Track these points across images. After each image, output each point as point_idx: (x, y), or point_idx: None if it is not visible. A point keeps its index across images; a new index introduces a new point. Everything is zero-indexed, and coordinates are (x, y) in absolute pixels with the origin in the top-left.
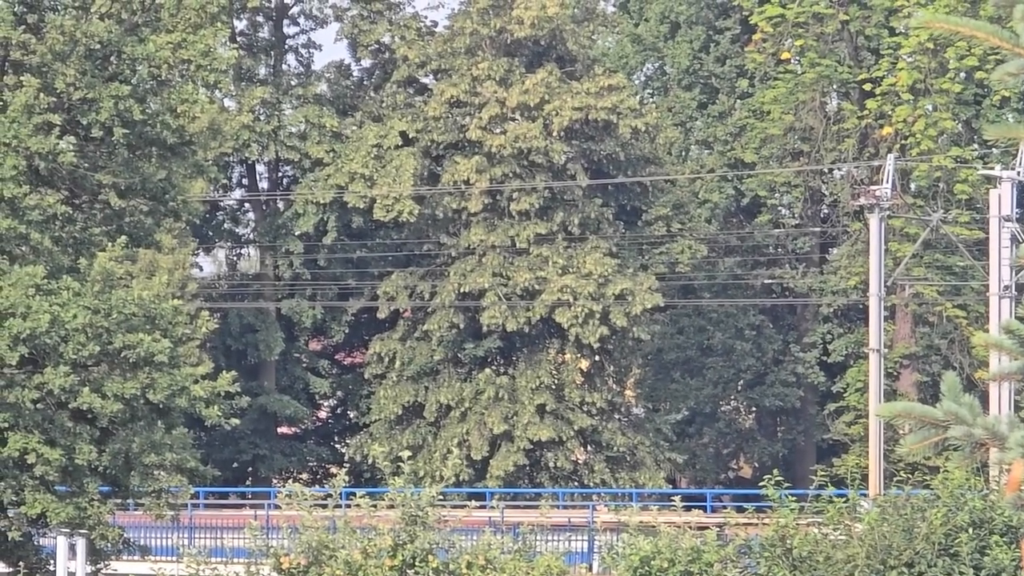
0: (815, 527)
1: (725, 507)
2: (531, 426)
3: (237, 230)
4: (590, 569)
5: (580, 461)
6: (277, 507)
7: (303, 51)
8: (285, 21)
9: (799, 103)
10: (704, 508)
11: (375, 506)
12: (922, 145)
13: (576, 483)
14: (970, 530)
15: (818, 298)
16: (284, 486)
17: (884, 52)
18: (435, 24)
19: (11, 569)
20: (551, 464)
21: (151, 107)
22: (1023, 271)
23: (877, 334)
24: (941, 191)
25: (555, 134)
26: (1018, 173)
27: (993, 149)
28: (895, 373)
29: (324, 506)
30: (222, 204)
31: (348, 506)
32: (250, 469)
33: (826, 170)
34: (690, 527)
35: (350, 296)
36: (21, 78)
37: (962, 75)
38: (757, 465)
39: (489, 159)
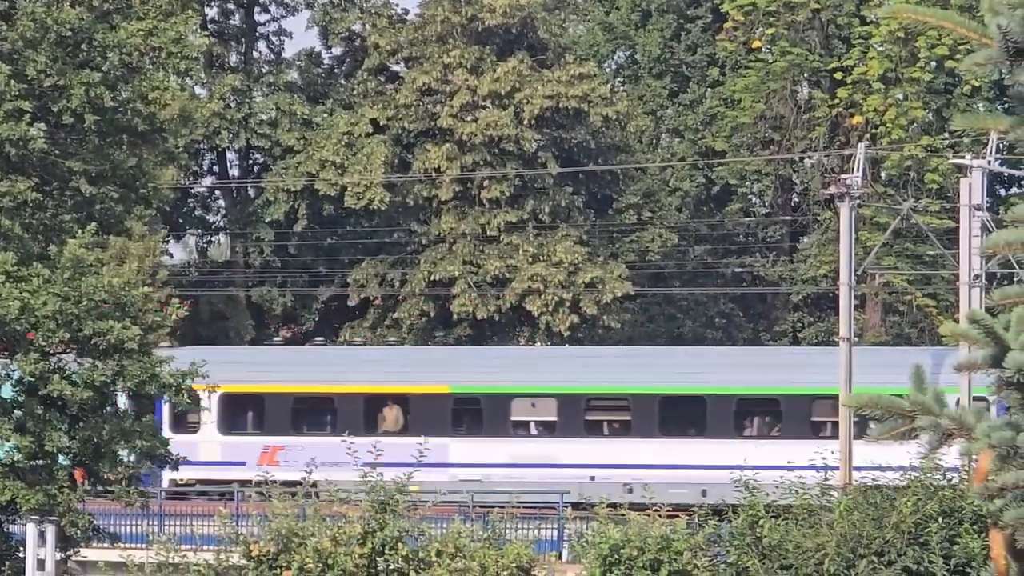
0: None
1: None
2: None
3: (207, 217)
4: (560, 557)
5: None
6: (247, 495)
7: (274, 39)
8: (256, 8)
9: (770, 92)
10: None
11: (346, 494)
12: (893, 134)
13: None
14: (940, 519)
15: (788, 286)
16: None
17: (855, 41)
18: (406, 12)
19: None
20: None
21: (122, 94)
22: (993, 260)
23: (847, 323)
24: (911, 180)
25: (526, 122)
26: (988, 162)
27: (963, 138)
28: None
29: (294, 494)
30: (192, 191)
31: (318, 494)
32: None
33: (797, 159)
34: (659, 515)
35: (320, 284)
36: None
37: (933, 64)
38: None
39: (460, 147)
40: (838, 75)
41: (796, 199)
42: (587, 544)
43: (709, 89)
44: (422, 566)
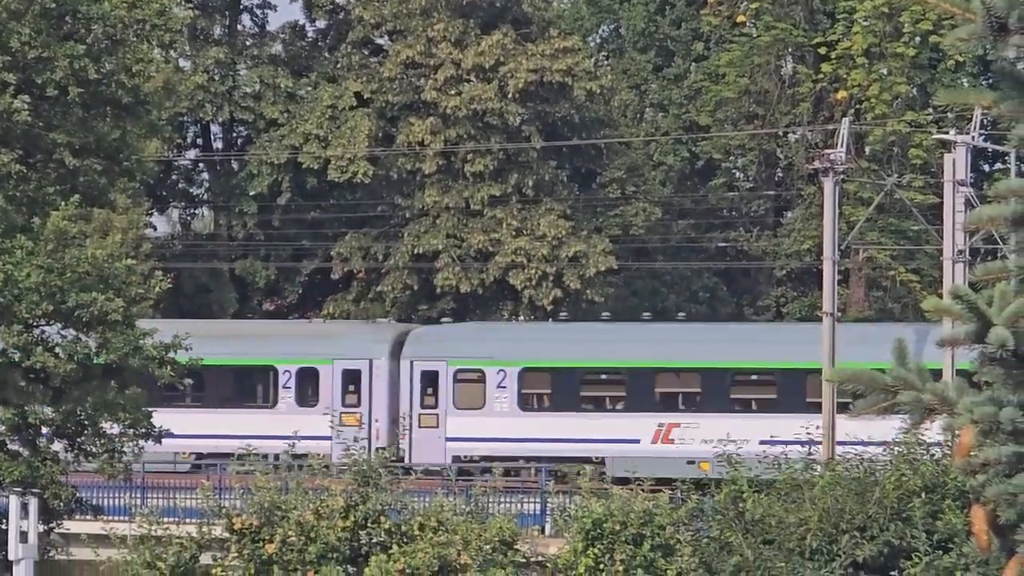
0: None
1: None
2: None
3: (191, 190)
4: (542, 531)
5: None
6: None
7: (258, 11)
8: None
9: (754, 66)
10: None
11: (328, 467)
12: (877, 109)
13: None
14: (923, 494)
15: (772, 261)
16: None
17: (839, 16)
18: None
19: None
20: None
21: (106, 66)
22: (976, 236)
23: (831, 298)
24: (895, 155)
25: (510, 96)
26: (972, 138)
27: (948, 114)
28: None
29: (277, 467)
30: (176, 164)
31: (301, 467)
32: None
33: (781, 133)
34: (642, 490)
35: (304, 257)
36: None
37: (917, 39)
38: None
39: (444, 121)
40: (822, 50)
41: (780, 174)
42: (570, 518)
43: (693, 63)
44: (405, 540)
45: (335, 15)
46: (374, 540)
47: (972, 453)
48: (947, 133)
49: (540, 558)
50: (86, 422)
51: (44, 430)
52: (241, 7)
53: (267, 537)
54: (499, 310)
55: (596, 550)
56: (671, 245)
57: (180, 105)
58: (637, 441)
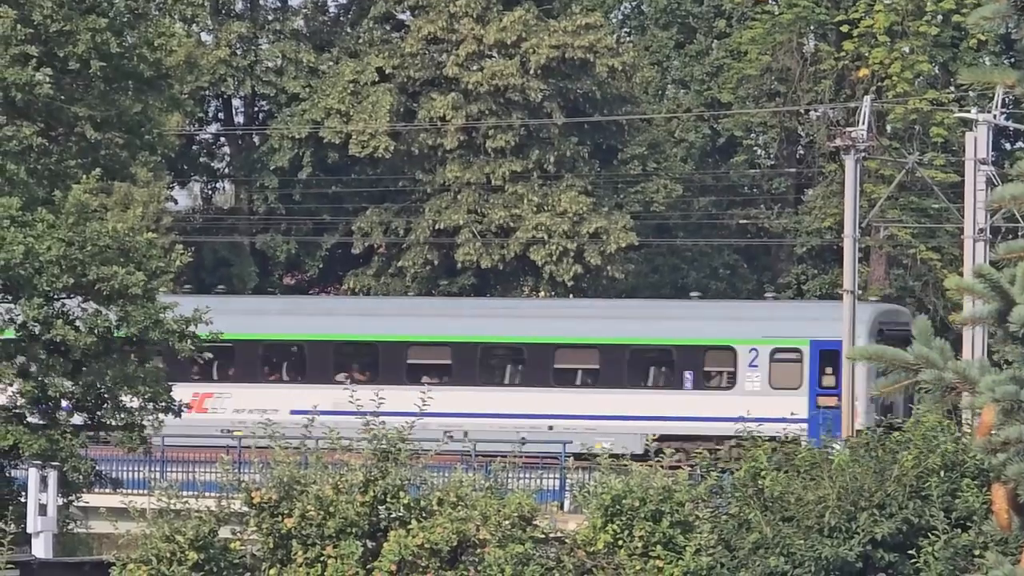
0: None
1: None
2: None
3: (212, 164)
4: (561, 507)
5: None
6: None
7: None
8: None
9: (776, 44)
10: None
11: (347, 441)
12: (898, 87)
13: None
14: (941, 473)
15: (793, 238)
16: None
17: None
18: None
19: None
20: None
21: (128, 40)
22: (998, 214)
23: (851, 275)
24: (917, 133)
25: (532, 72)
26: (994, 116)
27: (969, 92)
28: None
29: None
30: (198, 138)
31: (320, 440)
32: None
33: (802, 111)
34: (662, 466)
35: (324, 231)
36: None
37: (939, 18)
38: None
39: (465, 96)
40: (844, 28)
41: (801, 151)
42: (589, 494)
43: (715, 40)
44: (424, 514)
45: None
46: (393, 515)
47: (993, 432)
48: (969, 111)
49: (559, 534)
50: (106, 395)
51: (64, 403)
52: None
53: (286, 511)
54: (520, 286)
55: (615, 526)
56: (692, 222)
57: (202, 79)
58: None
